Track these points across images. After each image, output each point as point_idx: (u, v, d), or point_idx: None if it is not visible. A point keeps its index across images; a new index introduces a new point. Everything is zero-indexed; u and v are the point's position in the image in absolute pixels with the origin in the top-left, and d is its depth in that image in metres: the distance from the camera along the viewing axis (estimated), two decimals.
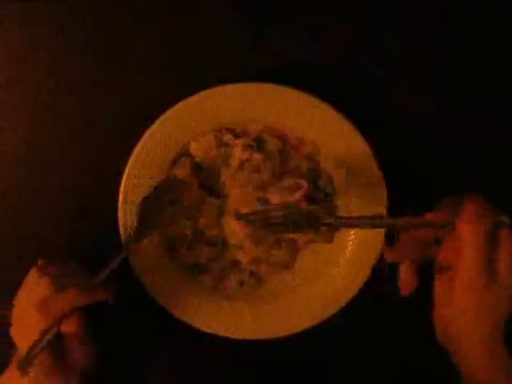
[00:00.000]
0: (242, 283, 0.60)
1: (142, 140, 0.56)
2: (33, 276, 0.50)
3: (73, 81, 0.59)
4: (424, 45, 0.59)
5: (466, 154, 0.60)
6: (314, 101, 0.56)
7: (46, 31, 0.59)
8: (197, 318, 0.58)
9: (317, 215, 0.50)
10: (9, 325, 0.52)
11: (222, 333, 0.58)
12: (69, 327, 0.49)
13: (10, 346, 0.51)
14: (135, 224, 0.56)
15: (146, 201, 0.56)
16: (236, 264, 0.59)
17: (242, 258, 0.59)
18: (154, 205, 0.56)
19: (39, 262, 0.52)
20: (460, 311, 0.47)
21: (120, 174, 0.56)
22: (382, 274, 0.57)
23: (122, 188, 0.56)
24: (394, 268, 0.56)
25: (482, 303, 0.47)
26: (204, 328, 0.58)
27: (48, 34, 0.59)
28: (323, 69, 0.59)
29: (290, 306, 0.59)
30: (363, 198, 0.57)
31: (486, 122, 0.60)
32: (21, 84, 0.59)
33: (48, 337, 0.48)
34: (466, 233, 0.46)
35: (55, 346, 0.50)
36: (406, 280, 0.50)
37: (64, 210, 0.60)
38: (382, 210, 0.56)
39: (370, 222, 0.49)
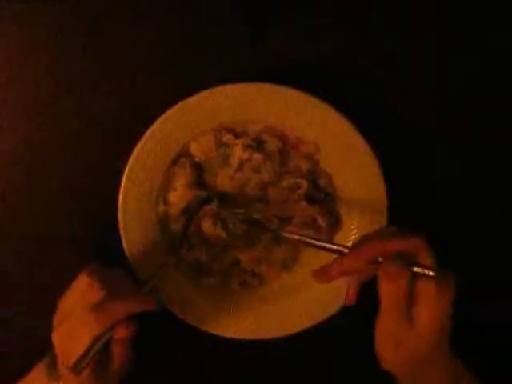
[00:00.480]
0: (243, 283, 0.60)
1: (142, 140, 0.56)
2: (83, 281, 0.49)
3: (73, 81, 0.59)
4: (424, 45, 0.59)
5: (465, 154, 0.60)
6: (314, 101, 0.56)
7: (45, 31, 0.58)
8: (198, 318, 0.58)
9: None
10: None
11: (222, 333, 0.58)
12: (122, 333, 0.48)
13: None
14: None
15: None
16: (237, 263, 0.59)
17: (243, 258, 0.59)
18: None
19: (89, 268, 0.51)
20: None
21: (120, 173, 0.56)
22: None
23: (122, 188, 0.56)
24: None
25: (400, 341, 0.47)
26: (205, 328, 0.58)
27: (48, 33, 0.58)
28: (323, 69, 0.59)
29: (290, 306, 0.59)
30: (363, 198, 0.57)
31: (486, 122, 0.60)
32: (20, 84, 0.59)
33: (100, 343, 0.47)
34: (384, 289, 0.46)
35: (100, 353, 0.48)
36: (350, 294, 0.52)
37: (64, 210, 0.60)
38: (381, 209, 0.56)
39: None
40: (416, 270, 0.46)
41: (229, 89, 0.56)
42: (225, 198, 0.58)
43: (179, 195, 0.57)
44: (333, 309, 0.58)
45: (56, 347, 0.49)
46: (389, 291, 0.46)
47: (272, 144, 0.57)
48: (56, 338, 0.49)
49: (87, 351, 0.46)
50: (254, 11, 0.59)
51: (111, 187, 0.57)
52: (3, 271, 0.60)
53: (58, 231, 0.60)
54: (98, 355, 0.48)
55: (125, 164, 0.56)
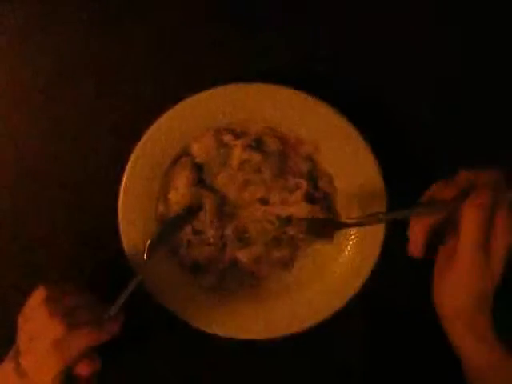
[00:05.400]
0: (242, 283, 0.60)
1: (142, 140, 0.56)
2: (43, 313, 0.48)
3: (73, 81, 0.59)
4: (424, 45, 0.59)
5: (465, 154, 0.60)
6: (314, 101, 0.56)
7: (46, 30, 0.59)
8: (197, 317, 0.58)
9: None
10: None
11: (221, 333, 0.58)
12: (84, 371, 0.49)
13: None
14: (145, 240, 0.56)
15: (168, 222, 0.57)
16: (236, 264, 0.59)
17: (242, 257, 0.59)
18: (173, 226, 0.57)
19: (47, 294, 0.50)
20: (451, 281, 0.50)
21: (120, 174, 0.56)
22: (381, 274, 0.58)
23: (122, 188, 0.56)
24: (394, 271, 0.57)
25: (469, 276, 0.48)
26: (204, 328, 0.58)
27: (48, 33, 0.59)
28: (323, 69, 0.59)
29: (290, 306, 0.59)
30: (363, 197, 0.57)
31: (486, 121, 0.60)
32: (19, 84, 0.59)
33: (62, 378, 0.48)
34: (470, 216, 0.47)
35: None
36: (419, 245, 0.51)
37: (63, 210, 0.60)
38: (381, 209, 0.56)
39: (374, 218, 0.52)
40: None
41: (229, 89, 0.56)
42: (225, 198, 0.58)
43: (179, 195, 0.57)
44: (332, 309, 0.58)
45: (27, 371, 0.49)
46: (475, 222, 0.47)
47: (272, 144, 0.58)
48: (24, 364, 0.49)
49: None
50: (255, 11, 0.59)
51: (111, 187, 0.57)
52: (3, 272, 0.60)
53: (57, 232, 0.60)
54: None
55: (125, 164, 0.56)
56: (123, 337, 0.59)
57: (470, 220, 0.47)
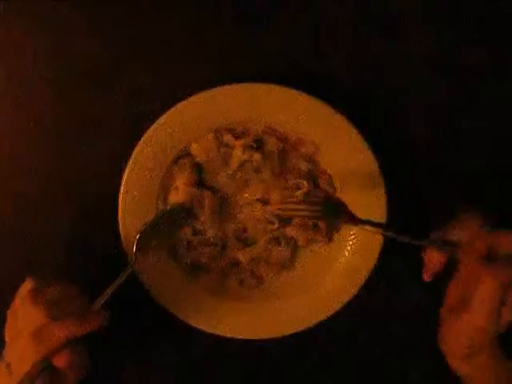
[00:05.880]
0: (241, 283, 0.60)
1: (142, 140, 0.56)
2: (27, 302, 0.49)
3: (73, 81, 0.59)
4: (423, 44, 0.59)
5: (465, 153, 0.60)
6: (314, 101, 0.56)
7: (47, 30, 0.59)
8: (197, 317, 0.58)
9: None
10: None
11: (221, 332, 0.58)
12: (61, 362, 0.48)
13: None
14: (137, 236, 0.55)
15: (159, 218, 0.57)
16: (236, 264, 0.59)
17: (242, 257, 0.59)
18: (167, 221, 0.57)
19: (33, 285, 0.50)
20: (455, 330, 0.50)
21: (120, 173, 0.56)
22: (381, 274, 0.58)
23: (122, 188, 0.56)
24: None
25: (482, 329, 0.49)
26: (204, 327, 0.58)
27: (49, 33, 0.59)
28: (323, 69, 0.59)
29: (290, 306, 0.59)
30: (363, 198, 0.57)
31: (486, 121, 0.60)
32: (19, 86, 0.59)
33: (40, 367, 0.48)
34: (490, 287, 0.47)
35: (48, 373, 0.49)
36: (429, 274, 0.51)
37: (64, 210, 0.60)
38: (381, 210, 0.56)
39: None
40: None
41: (229, 89, 0.56)
42: (225, 198, 0.58)
43: (180, 195, 0.57)
44: (332, 309, 0.58)
45: (10, 363, 0.49)
46: (493, 295, 0.47)
47: (272, 144, 0.58)
48: (8, 356, 0.49)
49: (25, 379, 0.47)
50: (255, 11, 0.59)
51: (111, 187, 0.57)
52: (2, 270, 0.60)
53: (57, 232, 0.60)
54: (47, 374, 0.48)
55: (125, 164, 0.56)
56: (122, 337, 0.59)
57: (488, 291, 0.47)
